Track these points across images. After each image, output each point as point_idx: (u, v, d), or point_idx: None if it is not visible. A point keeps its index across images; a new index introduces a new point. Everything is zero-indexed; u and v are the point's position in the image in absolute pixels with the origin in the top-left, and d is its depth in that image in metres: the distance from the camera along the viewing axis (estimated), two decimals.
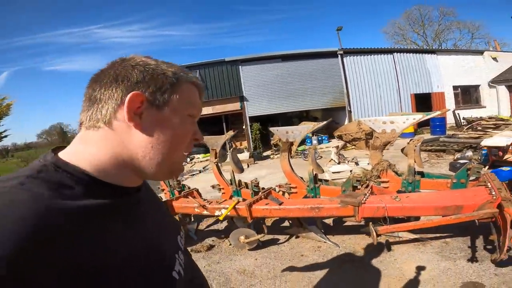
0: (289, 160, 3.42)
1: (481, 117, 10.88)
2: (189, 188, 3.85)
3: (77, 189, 0.43)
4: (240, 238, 3.08)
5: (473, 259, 2.62)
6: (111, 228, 0.45)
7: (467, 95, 14.11)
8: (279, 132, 3.26)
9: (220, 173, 3.90)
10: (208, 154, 12.73)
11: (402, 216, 2.73)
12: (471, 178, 2.97)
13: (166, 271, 0.53)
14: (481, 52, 14.31)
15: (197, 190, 3.67)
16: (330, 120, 4.11)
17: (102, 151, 0.49)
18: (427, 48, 23.47)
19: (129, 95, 0.47)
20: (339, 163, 6.97)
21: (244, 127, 11.78)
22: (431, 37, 29.55)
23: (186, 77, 0.56)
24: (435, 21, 29.26)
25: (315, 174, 3.21)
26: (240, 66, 11.71)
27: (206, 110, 11.24)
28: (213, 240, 3.67)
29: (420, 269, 2.59)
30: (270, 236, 3.44)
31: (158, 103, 0.50)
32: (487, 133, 8.87)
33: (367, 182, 2.92)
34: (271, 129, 3.44)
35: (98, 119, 0.49)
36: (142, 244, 0.49)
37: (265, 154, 11.37)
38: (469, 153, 7.76)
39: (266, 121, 11.98)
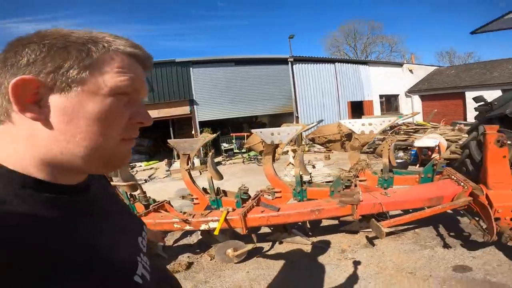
0: (272, 164, 3.28)
1: (403, 122, 12.71)
2: (154, 200, 3.36)
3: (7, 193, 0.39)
4: (228, 251, 2.79)
5: (447, 245, 2.91)
6: (53, 235, 0.39)
7: (389, 103, 16.35)
8: (263, 134, 3.10)
9: (193, 181, 3.53)
10: (152, 162, 11.80)
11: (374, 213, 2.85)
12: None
13: (126, 276, 0.48)
14: (401, 65, 16.84)
15: (169, 202, 3.22)
16: (321, 120, 4.15)
17: (10, 149, 0.42)
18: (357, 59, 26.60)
19: (11, 82, 0.39)
20: None
21: (193, 132, 11.21)
22: (360, 50, 33.71)
23: (111, 45, 0.44)
24: (364, 35, 33.56)
25: (301, 176, 3.15)
26: (191, 68, 11.11)
27: (152, 114, 10.10)
28: (188, 257, 3.27)
29: (409, 259, 2.76)
30: (251, 245, 3.25)
31: (63, 86, 0.41)
32: (411, 136, 10.28)
33: (353, 181, 2.98)
34: (254, 131, 3.27)
35: None
36: (93, 251, 0.44)
37: (216, 160, 11.03)
38: (401, 153, 8.94)
39: (216, 127, 11.67)
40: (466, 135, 4.68)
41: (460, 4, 47.42)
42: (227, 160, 10.76)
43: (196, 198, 3.51)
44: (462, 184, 2.70)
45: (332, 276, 2.60)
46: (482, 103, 3.42)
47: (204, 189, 3.55)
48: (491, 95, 5.54)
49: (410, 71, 16.55)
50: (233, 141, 11.75)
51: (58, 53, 0.41)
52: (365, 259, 2.82)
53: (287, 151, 6.34)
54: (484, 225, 2.42)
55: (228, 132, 12.56)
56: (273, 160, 3.32)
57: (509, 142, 2.50)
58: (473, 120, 4.21)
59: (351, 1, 54.42)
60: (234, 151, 11.57)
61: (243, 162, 10.05)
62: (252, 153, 10.46)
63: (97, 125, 0.43)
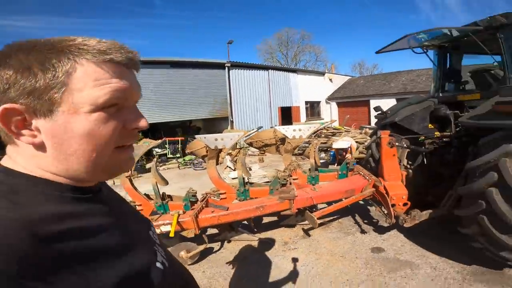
0: (216, 168, 3.52)
1: (324, 127, 14.46)
2: None
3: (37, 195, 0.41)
4: (181, 254, 2.89)
5: (363, 231, 3.63)
6: (89, 230, 0.43)
7: (313, 109, 18.28)
8: (207, 140, 3.31)
9: (135, 188, 3.47)
10: None
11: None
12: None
13: (148, 264, 0.50)
14: (323, 74, 18.98)
15: None
16: (261, 127, 4.49)
17: (33, 163, 0.44)
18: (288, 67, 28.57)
19: None
20: (234, 169, 7.49)
21: None
22: (290, 57, 36.16)
23: (79, 55, 0.41)
24: (295, 43, 36.06)
25: (244, 177, 3.47)
26: None
27: None
28: None
29: (338, 244, 3.34)
30: (203, 246, 3.40)
31: (44, 110, 0.40)
32: (330, 139, 11.80)
33: (288, 180, 3.46)
34: (198, 137, 3.43)
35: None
36: (118, 242, 0.46)
37: (148, 165, 10.48)
38: (323, 154, 10.23)
39: (148, 131, 11.10)
40: (369, 138, 5.77)
41: (369, 20, 56.75)
42: (161, 166, 10.36)
43: (140, 205, 3.46)
44: (367, 178, 3.43)
45: (280, 266, 2.95)
46: (380, 112, 4.33)
47: (147, 195, 3.53)
48: (389, 103, 6.92)
49: (330, 80, 18.87)
50: (167, 146, 11.37)
51: (26, 76, 0.39)
52: (304, 248, 3.29)
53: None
54: (386, 211, 3.13)
55: (161, 137, 12.06)
56: (217, 164, 3.56)
57: (397, 143, 3.32)
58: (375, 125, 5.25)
59: (287, 8, 58.23)
60: (168, 156, 11.21)
61: (178, 167, 9.88)
62: (187, 158, 10.35)
63: (88, 143, 0.43)
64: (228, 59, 13.18)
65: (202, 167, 8.91)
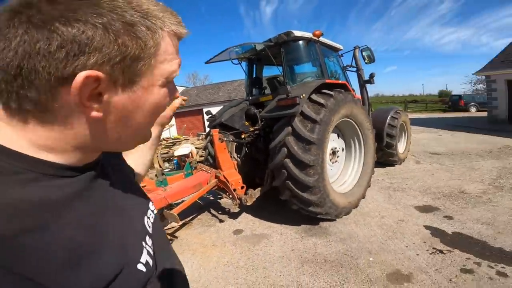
0: None
1: (163, 138, 14.41)
2: None
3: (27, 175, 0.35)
4: None
5: (221, 220, 4.09)
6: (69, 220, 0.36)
7: None
8: None
9: None
10: None
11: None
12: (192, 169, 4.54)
13: (131, 264, 0.43)
14: None
15: None
16: None
17: (37, 136, 0.37)
18: None
19: (82, 75, 0.33)
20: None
21: None
22: None
23: (165, 25, 0.39)
24: None
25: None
26: None
27: None
28: None
29: (206, 236, 3.60)
30: None
31: (126, 81, 0.37)
32: (171, 149, 11.98)
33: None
34: None
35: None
36: (98, 235, 0.40)
37: None
38: (166, 164, 10.29)
39: None
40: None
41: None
42: None
43: None
44: (209, 172, 3.99)
45: None
46: (210, 115, 5.03)
47: None
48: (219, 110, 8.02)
49: None
50: None
51: (113, 41, 0.34)
52: (177, 249, 3.35)
53: None
54: (231, 195, 3.71)
55: None
56: None
57: (226, 138, 4.07)
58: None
59: None
60: None
61: None
62: None
63: (152, 116, 0.42)
64: None
65: None
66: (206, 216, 4.42)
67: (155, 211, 0.63)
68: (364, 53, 5.00)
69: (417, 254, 2.78)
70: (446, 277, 2.38)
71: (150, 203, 0.62)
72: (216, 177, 3.83)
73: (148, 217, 0.57)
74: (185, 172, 4.37)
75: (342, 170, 4.25)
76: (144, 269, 0.45)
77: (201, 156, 8.70)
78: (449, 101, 27.16)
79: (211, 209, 4.67)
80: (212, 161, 4.46)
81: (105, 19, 0.34)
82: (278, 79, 4.83)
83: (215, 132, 3.86)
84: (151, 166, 4.73)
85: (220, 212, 4.49)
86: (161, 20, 0.39)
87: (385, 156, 6.11)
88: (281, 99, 3.45)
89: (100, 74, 0.34)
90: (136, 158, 0.80)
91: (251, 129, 4.35)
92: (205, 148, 5.04)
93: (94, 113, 0.37)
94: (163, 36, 0.39)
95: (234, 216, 4.26)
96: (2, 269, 0.28)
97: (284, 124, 3.38)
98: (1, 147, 0.35)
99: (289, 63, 4.29)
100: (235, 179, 3.77)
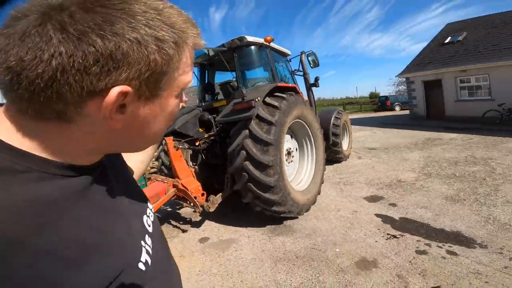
0: None
1: None
2: None
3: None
4: None
5: (184, 230, 3.90)
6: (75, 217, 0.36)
7: None
8: None
9: None
10: None
11: None
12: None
13: (132, 264, 0.43)
14: None
15: None
16: None
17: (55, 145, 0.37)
18: None
19: (116, 91, 0.33)
20: None
21: None
22: None
23: (188, 38, 0.39)
24: None
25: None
26: None
27: None
28: None
29: (172, 247, 3.26)
30: None
31: (150, 95, 0.38)
32: None
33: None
34: None
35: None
36: (99, 236, 0.39)
37: None
38: None
39: None
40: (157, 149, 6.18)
41: None
42: None
43: None
44: (165, 181, 3.78)
45: None
46: None
47: None
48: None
49: None
50: None
51: (144, 56, 0.34)
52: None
53: None
54: (192, 203, 3.54)
55: None
56: None
57: (181, 146, 3.92)
58: None
59: None
60: None
61: None
62: None
63: (165, 125, 0.44)
64: None
65: None
66: (167, 227, 4.20)
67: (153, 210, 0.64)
68: (309, 58, 5.36)
69: (376, 241, 3.05)
70: (406, 259, 2.66)
71: (149, 202, 0.64)
72: (174, 186, 3.66)
73: (148, 216, 0.58)
74: (143, 183, 4.07)
75: (298, 169, 4.46)
76: (144, 268, 0.46)
77: (152, 167, 8.19)
78: (378, 102, 30.62)
79: (171, 220, 4.44)
80: (167, 171, 4.25)
81: (139, 34, 0.34)
82: (231, 84, 4.86)
83: (170, 140, 3.69)
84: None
85: (181, 222, 4.32)
86: (185, 33, 0.39)
87: (332, 154, 6.60)
88: (237, 103, 3.49)
89: (130, 89, 0.35)
90: (138, 157, 0.83)
91: (206, 135, 4.28)
92: (157, 158, 4.78)
93: (116, 124, 0.38)
94: (185, 50, 0.40)
95: (197, 224, 4.14)
96: (13, 271, 0.29)
97: (241, 128, 3.41)
98: (9, 146, 0.34)
99: (242, 68, 4.36)
100: (194, 186, 3.66)
